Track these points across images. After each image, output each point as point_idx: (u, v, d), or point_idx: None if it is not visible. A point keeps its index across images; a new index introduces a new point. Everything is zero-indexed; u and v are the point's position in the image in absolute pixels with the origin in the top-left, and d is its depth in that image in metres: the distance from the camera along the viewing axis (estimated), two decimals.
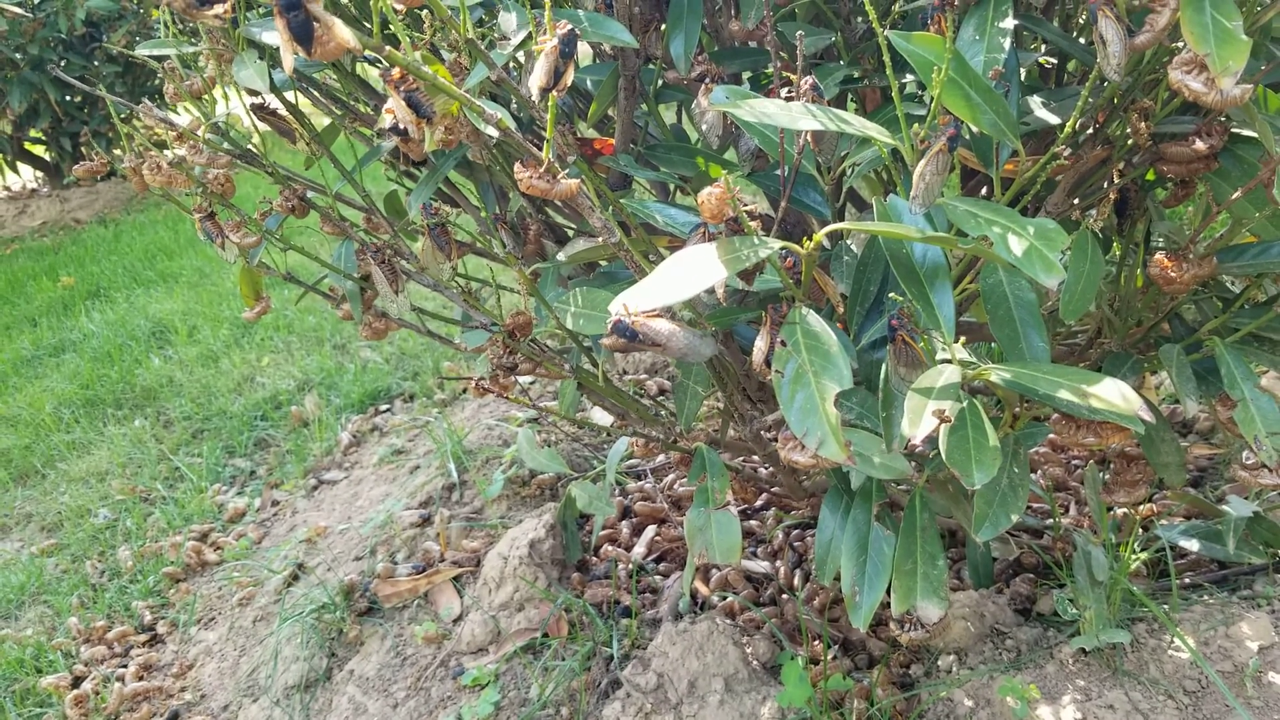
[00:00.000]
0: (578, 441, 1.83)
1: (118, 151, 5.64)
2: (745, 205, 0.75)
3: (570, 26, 0.70)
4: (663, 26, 1.10)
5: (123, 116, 5.50)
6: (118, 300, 3.60)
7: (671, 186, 1.25)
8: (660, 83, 1.10)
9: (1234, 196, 0.87)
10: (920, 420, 0.67)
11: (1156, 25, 0.72)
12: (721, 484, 1.00)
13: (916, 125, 0.77)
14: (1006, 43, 0.80)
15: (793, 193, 1.04)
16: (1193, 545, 1.22)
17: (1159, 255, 0.94)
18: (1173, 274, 0.93)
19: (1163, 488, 1.25)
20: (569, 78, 0.72)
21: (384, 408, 2.37)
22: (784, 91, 0.92)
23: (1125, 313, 1.08)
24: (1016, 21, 0.88)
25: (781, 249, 0.75)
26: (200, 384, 2.68)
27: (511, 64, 1.01)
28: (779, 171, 0.98)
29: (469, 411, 2.12)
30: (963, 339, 0.79)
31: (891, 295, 0.76)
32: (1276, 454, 0.92)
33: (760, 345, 0.79)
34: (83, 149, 5.71)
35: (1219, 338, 0.99)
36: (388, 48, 0.71)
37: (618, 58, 1.05)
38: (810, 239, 0.75)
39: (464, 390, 2.29)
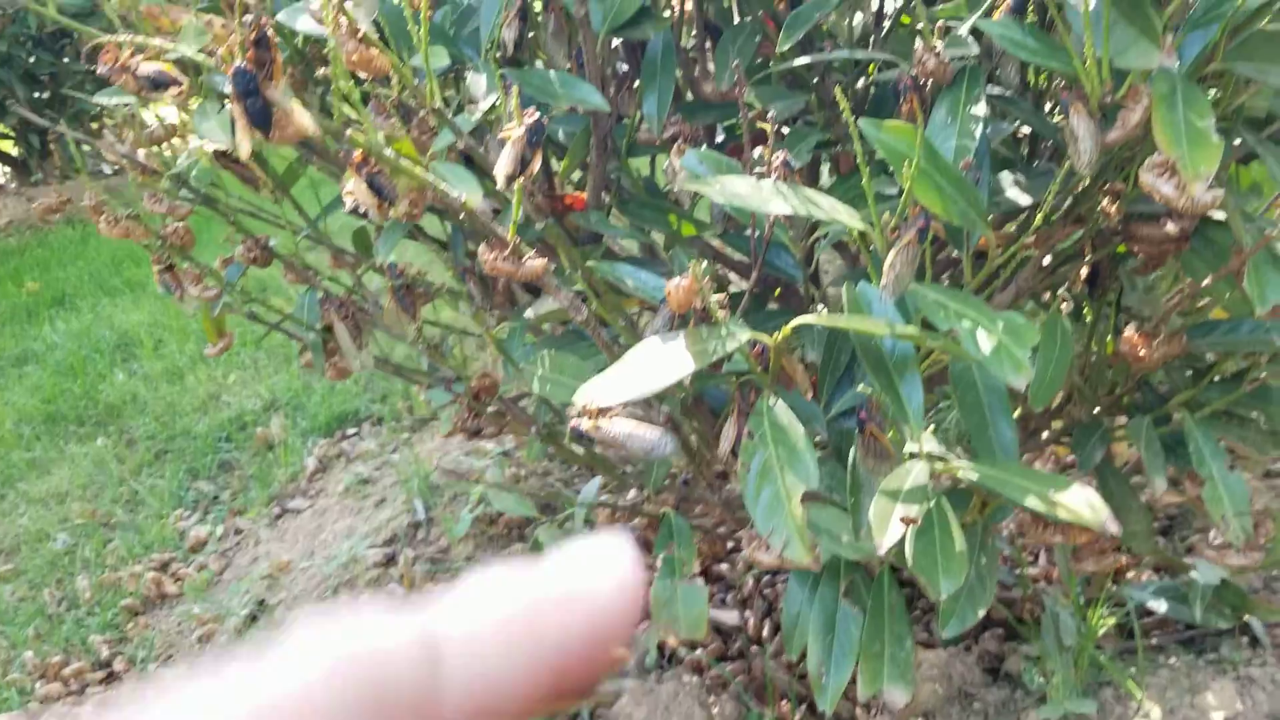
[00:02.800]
0: (549, 475, 1.82)
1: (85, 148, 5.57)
2: (714, 297, 0.74)
3: (538, 116, 0.69)
4: (636, 83, 1.09)
5: (92, 115, 5.44)
6: (83, 309, 3.55)
7: (660, 239, 1.24)
8: (633, 139, 1.09)
9: (1205, 282, 0.86)
10: (887, 528, 0.67)
11: (1128, 122, 0.72)
12: (688, 553, 0.99)
13: (887, 214, 0.76)
14: (978, 130, 0.79)
15: (766, 257, 1.03)
16: (1160, 606, 1.22)
17: (1129, 332, 0.94)
18: (1142, 351, 0.93)
19: (1131, 554, 1.24)
20: (536, 164, 0.71)
21: (352, 431, 2.34)
22: (756, 152, 0.91)
23: (1095, 380, 1.08)
24: (988, 106, 0.87)
25: (749, 340, 0.74)
26: (165, 401, 2.65)
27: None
28: (750, 232, 0.97)
29: (439, 440, 2.10)
30: (932, 427, 0.78)
31: (861, 387, 0.75)
32: (1244, 534, 0.92)
33: (728, 434, 0.78)
34: (51, 147, 5.64)
35: (1189, 411, 0.98)
36: (349, 130, 0.70)
37: (590, 115, 1.03)
38: (779, 331, 0.74)
39: (434, 415, 2.27)
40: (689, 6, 1.20)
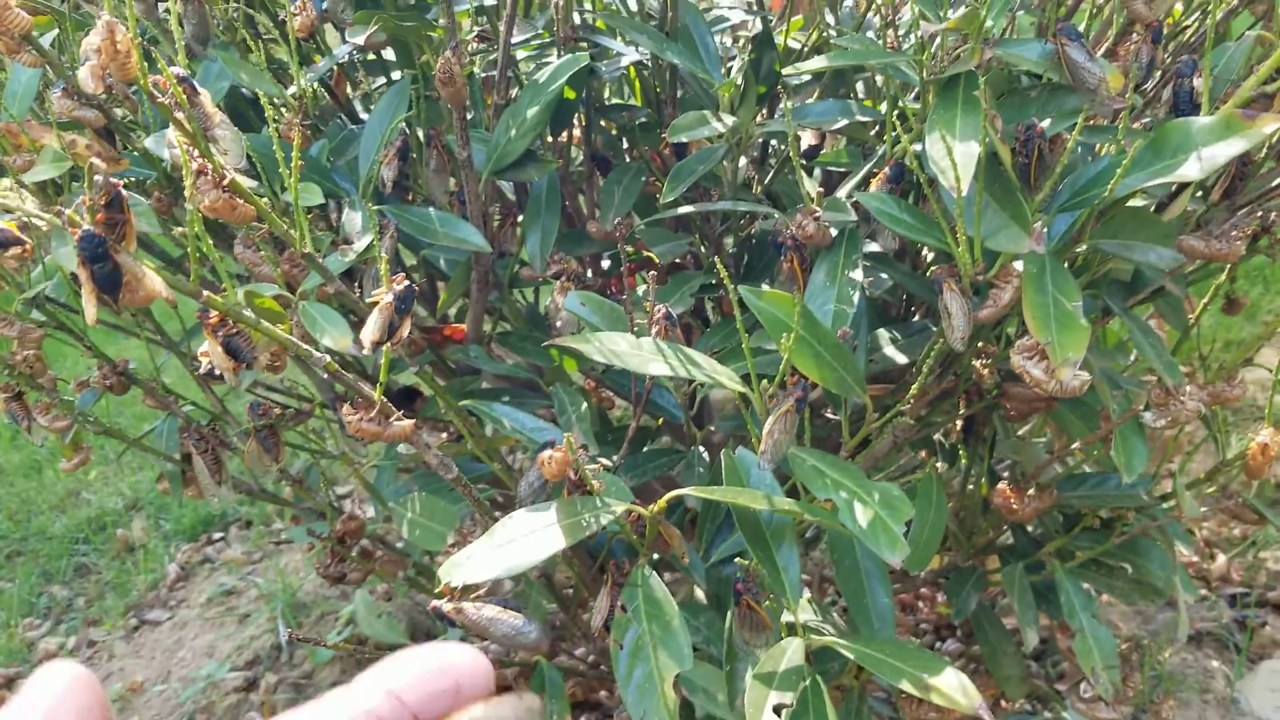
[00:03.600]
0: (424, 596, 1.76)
1: None
2: (589, 465, 0.72)
3: (408, 284, 0.67)
4: (520, 219, 1.08)
5: None
6: None
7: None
8: (515, 274, 1.08)
9: (1075, 446, 0.88)
10: (760, 716, 0.65)
11: (1000, 301, 0.73)
12: (561, 707, 0.96)
13: (765, 381, 0.76)
14: (856, 295, 0.80)
15: (651, 398, 1.02)
16: None
17: (1002, 485, 0.95)
18: (1014, 505, 0.94)
19: (1004, 699, 1.25)
20: (404, 330, 0.68)
21: (218, 536, 2.24)
22: (641, 289, 0.90)
23: (970, 525, 1.09)
24: (868, 263, 0.88)
25: (626, 510, 0.72)
26: (20, 498, 2.51)
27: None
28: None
29: (309, 551, 2.02)
30: (807, 595, 0.77)
31: (737, 559, 0.74)
32: (1113, 688, 0.93)
33: (600, 606, 0.75)
34: None
35: (1059, 560, 1.00)
36: (205, 292, 0.66)
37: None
38: (656, 503, 0.72)
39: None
40: (578, 133, 1.20)
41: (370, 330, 0.67)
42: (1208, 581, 1.54)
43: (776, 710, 0.66)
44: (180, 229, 1.06)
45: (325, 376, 0.72)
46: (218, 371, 0.69)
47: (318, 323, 0.84)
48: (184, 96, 0.70)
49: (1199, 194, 0.96)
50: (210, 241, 0.69)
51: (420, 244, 1.10)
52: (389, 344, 0.68)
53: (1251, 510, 1.00)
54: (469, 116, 1.05)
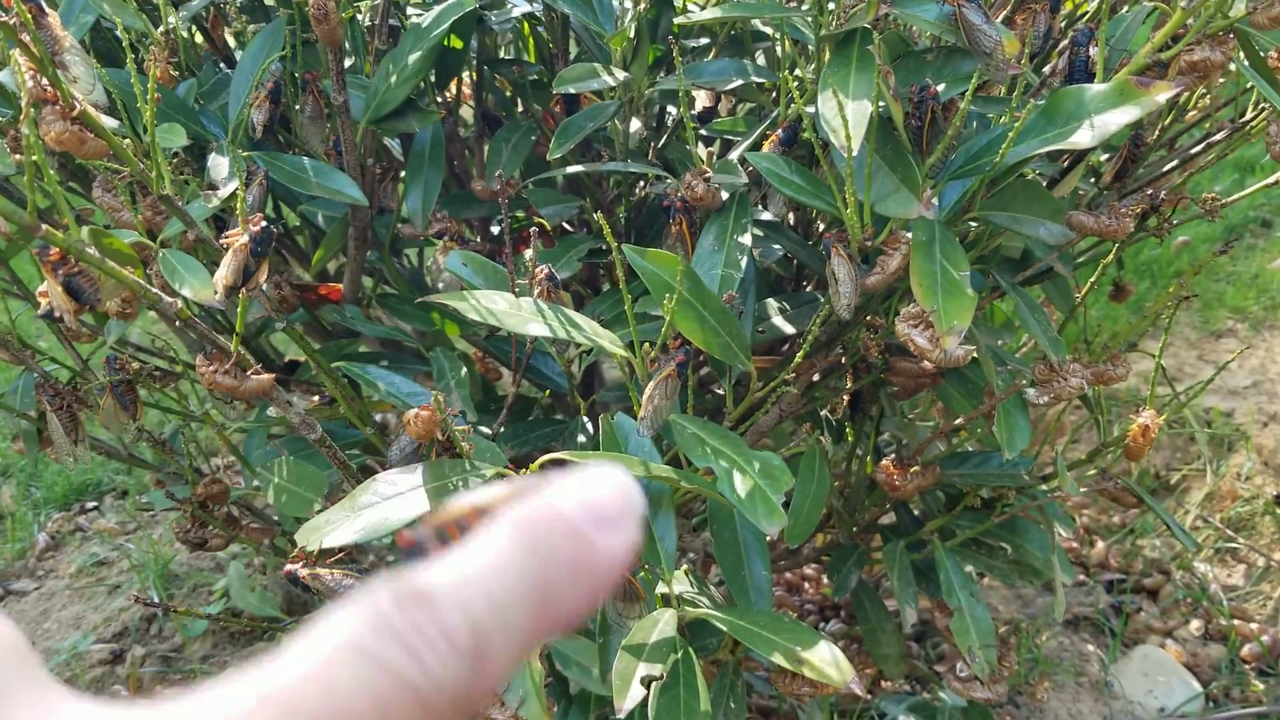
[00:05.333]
0: None
1: None
2: (460, 425, 0.69)
3: (265, 225, 0.62)
4: (401, 175, 1.03)
5: None
6: None
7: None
8: (395, 233, 1.03)
9: (958, 422, 0.87)
10: (628, 689, 0.62)
11: (887, 268, 0.71)
12: None
13: (648, 344, 0.73)
14: (744, 260, 0.78)
15: (532, 363, 0.98)
16: None
17: (885, 461, 0.94)
18: (897, 482, 0.93)
19: (882, 679, 1.25)
20: (262, 276, 0.64)
21: (91, 505, 2.14)
22: (528, 254, 0.87)
23: (853, 502, 1.08)
24: (758, 232, 0.86)
25: (496, 474, 0.69)
26: None
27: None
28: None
29: None
30: (685, 566, 0.75)
31: None
32: (989, 668, 0.92)
33: None
34: None
35: (940, 539, 0.99)
36: (44, 226, 0.61)
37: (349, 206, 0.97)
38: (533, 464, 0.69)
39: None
40: (469, 91, 1.16)
41: (223, 273, 0.63)
42: (1086, 567, 1.56)
43: (645, 683, 0.63)
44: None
45: (177, 324, 0.67)
46: (57, 314, 0.64)
47: (177, 271, 0.78)
48: (29, 16, 0.64)
49: (1091, 179, 0.96)
50: (52, 173, 0.64)
51: (299, 197, 1.05)
52: (245, 290, 0.64)
53: (1130, 494, 1.01)
54: (350, 63, 1.00)
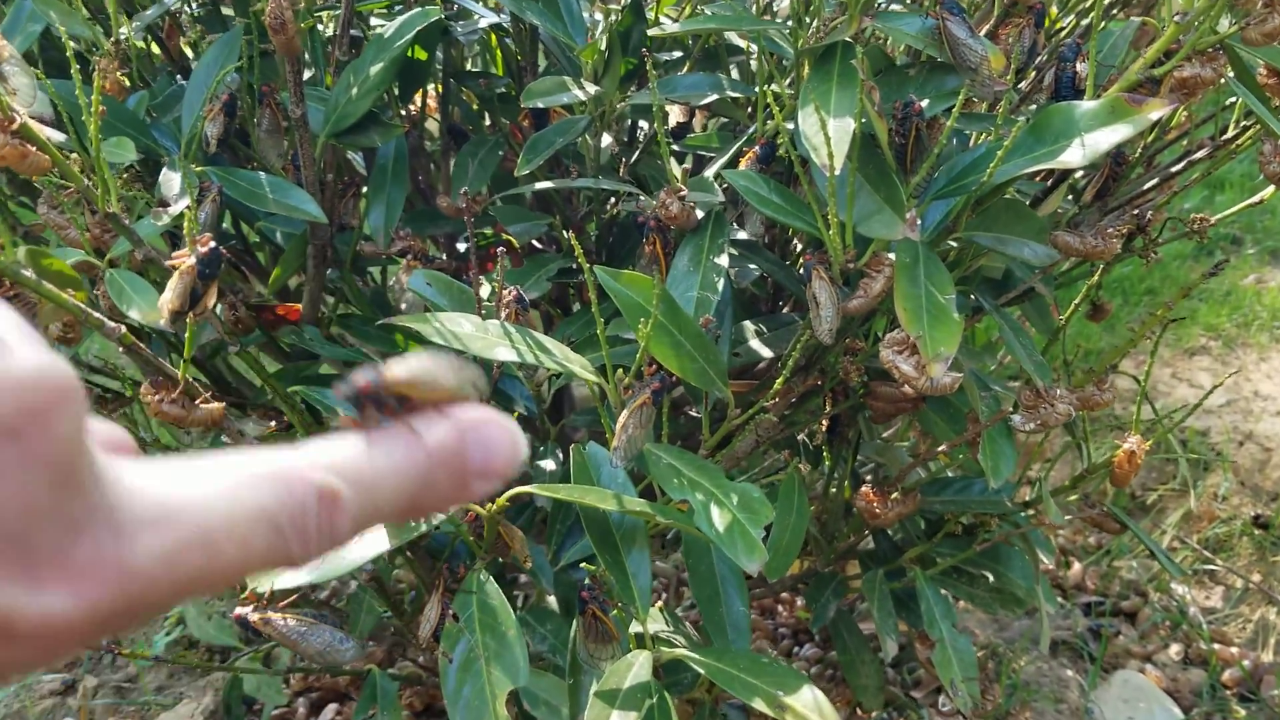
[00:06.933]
0: None
1: None
2: None
3: (214, 246, 0.59)
4: (363, 191, 0.99)
5: None
6: None
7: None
8: (356, 250, 0.99)
9: (941, 449, 0.84)
10: None
11: (871, 291, 0.68)
12: (393, 717, 0.88)
13: (621, 370, 0.70)
14: (721, 282, 0.74)
15: (499, 386, 0.95)
16: None
17: (865, 489, 0.91)
18: (877, 509, 0.90)
19: (860, 709, 1.22)
20: (211, 299, 0.60)
21: None
22: (485, 288, 0.83)
23: (832, 529, 1.05)
24: (734, 252, 0.83)
25: (461, 508, 0.65)
26: None
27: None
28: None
29: None
30: (660, 603, 0.71)
31: (583, 564, 0.68)
32: (972, 701, 0.90)
33: (429, 615, 0.68)
34: None
35: (921, 567, 0.96)
36: None
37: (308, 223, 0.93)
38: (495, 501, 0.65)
39: None
40: (434, 105, 1.12)
41: (169, 297, 0.59)
42: (1063, 590, 1.54)
43: None
44: None
45: (121, 350, 0.63)
46: None
47: (125, 292, 0.74)
48: None
49: (1069, 196, 0.94)
50: None
51: (256, 213, 1.01)
52: (193, 314, 0.60)
53: (1114, 520, 0.98)
54: (310, 75, 0.96)
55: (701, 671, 0.65)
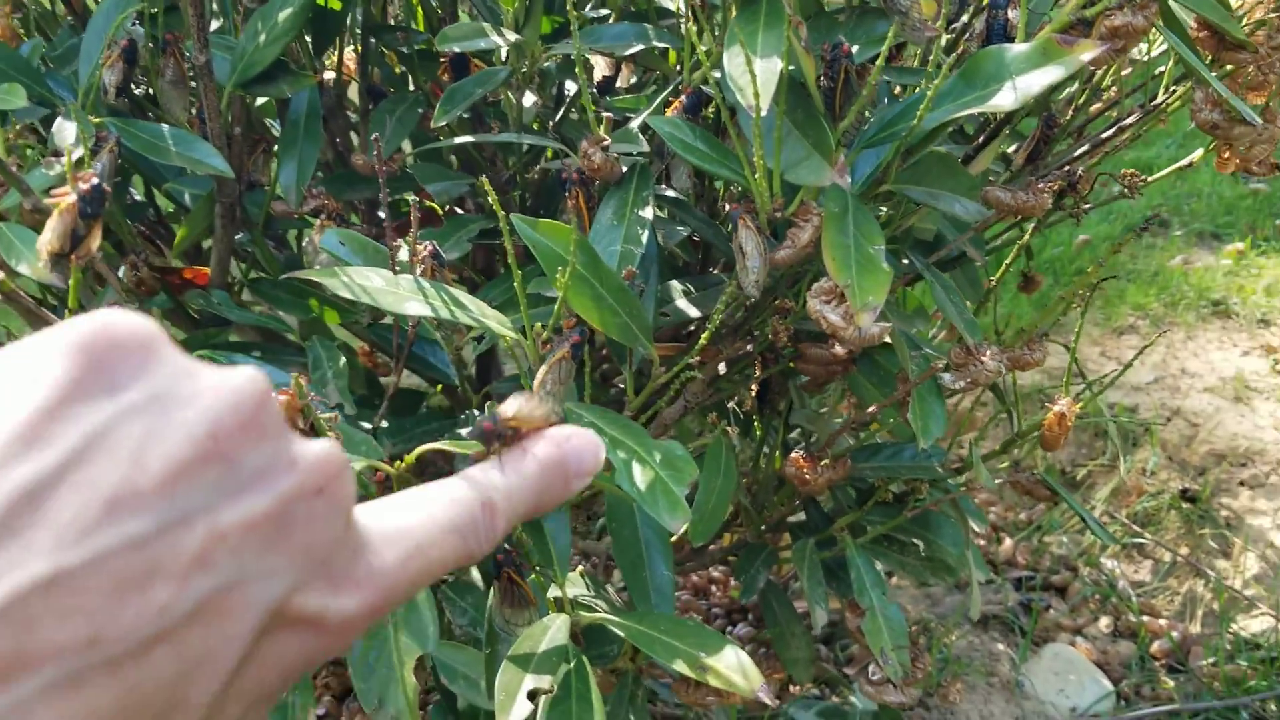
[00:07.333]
0: None
1: None
2: (323, 413, 0.61)
3: (96, 181, 0.55)
4: (274, 149, 0.95)
5: None
6: None
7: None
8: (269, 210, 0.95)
9: (871, 410, 0.82)
10: (513, 704, 0.56)
11: (798, 241, 0.66)
12: (305, 699, 0.84)
13: (539, 326, 0.67)
14: (645, 235, 0.72)
15: (418, 353, 0.91)
16: None
17: (795, 454, 0.89)
18: (807, 475, 0.88)
19: (792, 683, 1.20)
20: (94, 241, 0.56)
21: None
22: (403, 246, 0.80)
23: (762, 499, 1.03)
24: (661, 209, 0.81)
25: (368, 467, 0.62)
26: None
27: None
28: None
29: None
30: (580, 568, 0.68)
31: None
32: (902, 670, 0.88)
33: None
34: None
35: (851, 536, 0.95)
36: None
37: (215, 180, 0.88)
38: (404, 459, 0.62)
39: None
40: (354, 66, 1.08)
41: (48, 238, 0.55)
42: (995, 565, 1.54)
43: (533, 695, 0.57)
44: None
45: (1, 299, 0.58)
46: None
47: (14, 246, 0.70)
48: None
49: (1001, 162, 0.93)
50: None
51: (165, 173, 0.96)
52: (75, 257, 0.56)
53: (1044, 487, 0.98)
54: (219, 25, 0.92)
55: (621, 634, 0.62)
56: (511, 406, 0.37)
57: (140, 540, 0.24)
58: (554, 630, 0.61)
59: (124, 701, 0.24)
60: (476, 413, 0.93)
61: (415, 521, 0.32)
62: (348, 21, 0.95)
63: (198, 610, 0.25)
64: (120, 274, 0.88)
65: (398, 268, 0.74)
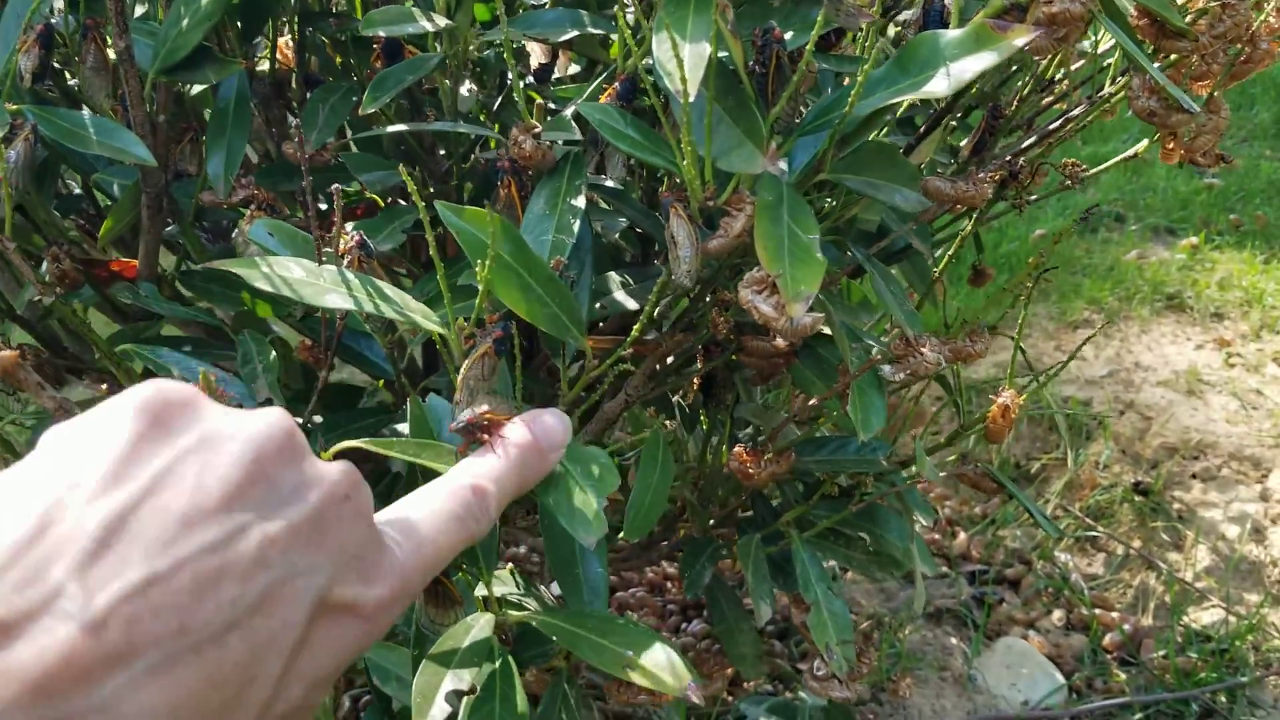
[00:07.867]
0: None
1: None
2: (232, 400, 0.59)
3: None
4: (202, 138, 0.93)
5: None
6: None
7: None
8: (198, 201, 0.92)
9: (812, 402, 0.81)
10: (430, 706, 0.54)
11: (731, 230, 0.65)
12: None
13: (463, 320, 0.65)
14: (578, 225, 0.70)
15: (354, 347, 0.89)
16: None
17: (738, 448, 0.88)
18: (751, 469, 0.87)
19: (740, 680, 1.19)
20: None
21: None
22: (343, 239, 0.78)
23: (708, 493, 1.02)
24: (596, 199, 0.79)
25: None
26: None
27: None
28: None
29: None
30: (510, 565, 0.67)
31: None
32: (848, 664, 0.87)
33: None
34: None
35: (798, 530, 0.94)
36: None
37: (140, 170, 0.86)
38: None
39: None
40: (290, 55, 1.06)
41: None
42: (948, 559, 1.53)
43: (454, 697, 0.55)
44: None
45: None
46: None
47: None
48: None
49: (946, 153, 0.92)
50: None
51: (91, 164, 0.94)
52: None
53: (991, 480, 0.97)
54: (143, 11, 0.89)
55: (546, 634, 0.60)
56: (487, 405, 0.46)
57: (211, 548, 0.30)
58: (477, 629, 0.59)
59: (208, 679, 0.29)
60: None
61: (422, 516, 0.40)
62: (279, 7, 0.93)
63: (260, 601, 0.31)
64: (42, 267, 0.86)
65: (324, 259, 0.72)
